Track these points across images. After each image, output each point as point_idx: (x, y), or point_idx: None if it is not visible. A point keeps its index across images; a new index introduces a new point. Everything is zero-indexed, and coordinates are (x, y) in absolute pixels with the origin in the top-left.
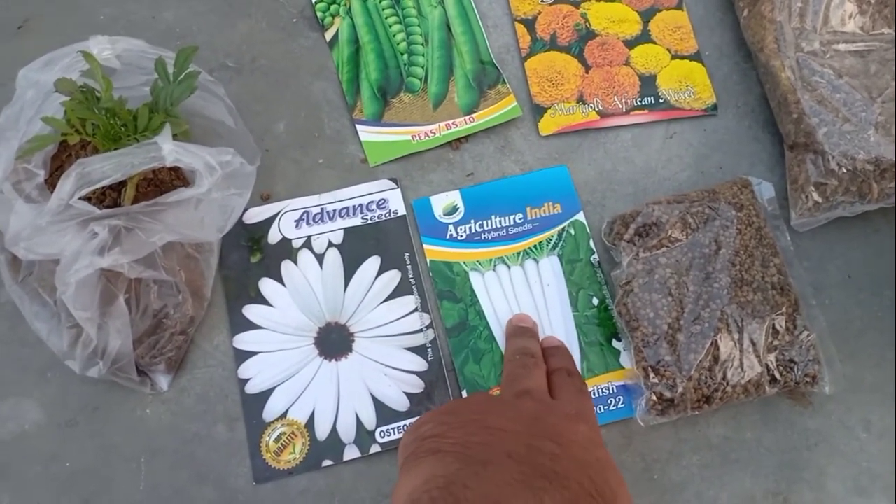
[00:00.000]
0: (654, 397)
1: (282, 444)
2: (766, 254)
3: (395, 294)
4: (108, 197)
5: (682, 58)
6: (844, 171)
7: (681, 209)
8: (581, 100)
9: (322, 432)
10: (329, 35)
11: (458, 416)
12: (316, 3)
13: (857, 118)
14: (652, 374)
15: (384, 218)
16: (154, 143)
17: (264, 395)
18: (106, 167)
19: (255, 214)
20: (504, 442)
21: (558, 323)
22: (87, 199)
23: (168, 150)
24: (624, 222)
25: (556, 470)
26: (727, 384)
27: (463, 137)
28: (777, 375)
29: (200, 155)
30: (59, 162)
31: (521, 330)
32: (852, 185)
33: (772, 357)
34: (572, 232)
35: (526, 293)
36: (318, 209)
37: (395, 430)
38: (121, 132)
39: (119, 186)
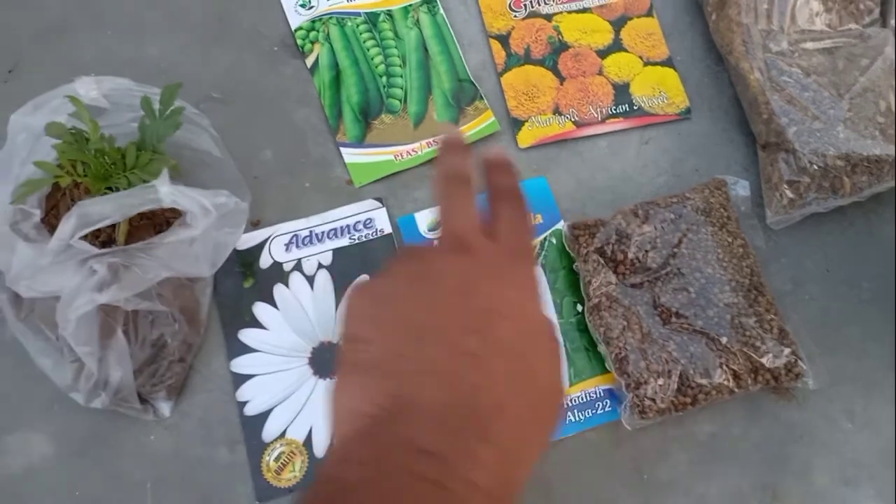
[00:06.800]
0: (636, 401)
1: (282, 463)
2: (739, 255)
3: None
4: (102, 232)
5: (655, 64)
6: (816, 168)
7: (648, 219)
8: (557, 111)
9: (320, 449)
10: (310, 61)
11: (387, 304)
12: (295, 30)
13: (825, 115)
14: (631, 382)
15: (371, 237)
16: (152, 187)
17: (263, 417)
18: (105, 209)
19: (247, 240)
20: (426, 351)
21: None
22: (84, 235)
23: (165, 192)
24: (588, 231)
25: (472, 381)
26: (709, 386)
27: None
28: (758, 374)
29: (196, 198)
30: (53, 201)
31: (444, 146)
32: (824, 181)
33: (750, 357)
34: (554, 241)
35: None
36: (306, 232)
37: None
38: (111, 170)
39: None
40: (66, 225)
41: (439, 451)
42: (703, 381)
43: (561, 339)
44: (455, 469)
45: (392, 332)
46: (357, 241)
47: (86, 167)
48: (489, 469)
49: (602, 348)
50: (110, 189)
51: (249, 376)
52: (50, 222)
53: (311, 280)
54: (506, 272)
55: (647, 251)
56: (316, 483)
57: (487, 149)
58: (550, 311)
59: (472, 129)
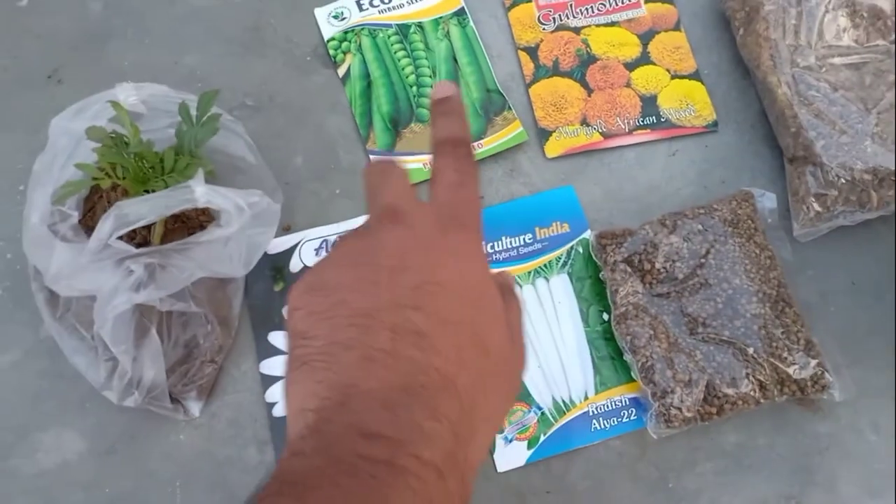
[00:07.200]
0: (662, 410)
1: None
2: (766, 266)
3: None
4: (138, 234)
5: (682, 77)
6: (843, 181)
7: (675, 229)
8: (585, 122)
9: None
10: (341, 71)
11: (325, 294)
12: (328, 41)
13: (853, 130)
14: (658, 391)
15: None
16: (187, 187)
17: None
18: (142, 209)
19: (277, 245)
20: (367, 336)
21: (570, 339)
22: (120, 236)
23: (200, 192)
24: (615, 240)
25: (417, 360)
26: (735, 396)
27: None
28: (784, 386)
29: (230, 197)
30: (91, 203)
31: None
32: (851, 194)
33: (777, 368)
34: (580, 250)
35: (538, 311)
36: (336, 238)
37: None
38: (149, 174)
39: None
40: (105, 225)
41: (387, 433)
42: (730, 391)
43: (519, 294)
44: (404, 447)
45: (334, 322)
46: None
47: (125, 171)
48: (440, 445)
49: (628, 357)
50: (148, 192)
51: (278, 378)
52: (86, 224)
53: None
54: (445, 238)
55: (674, 261)
56: (269, 480)
57: (438, 86)
58: (577, 319)
59: (500, 138)
